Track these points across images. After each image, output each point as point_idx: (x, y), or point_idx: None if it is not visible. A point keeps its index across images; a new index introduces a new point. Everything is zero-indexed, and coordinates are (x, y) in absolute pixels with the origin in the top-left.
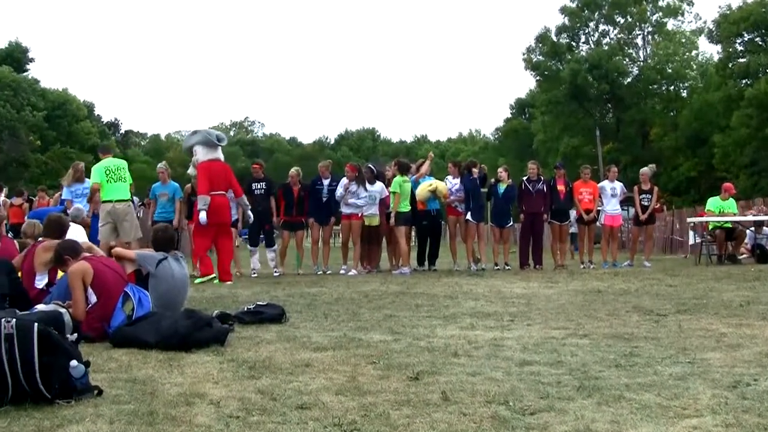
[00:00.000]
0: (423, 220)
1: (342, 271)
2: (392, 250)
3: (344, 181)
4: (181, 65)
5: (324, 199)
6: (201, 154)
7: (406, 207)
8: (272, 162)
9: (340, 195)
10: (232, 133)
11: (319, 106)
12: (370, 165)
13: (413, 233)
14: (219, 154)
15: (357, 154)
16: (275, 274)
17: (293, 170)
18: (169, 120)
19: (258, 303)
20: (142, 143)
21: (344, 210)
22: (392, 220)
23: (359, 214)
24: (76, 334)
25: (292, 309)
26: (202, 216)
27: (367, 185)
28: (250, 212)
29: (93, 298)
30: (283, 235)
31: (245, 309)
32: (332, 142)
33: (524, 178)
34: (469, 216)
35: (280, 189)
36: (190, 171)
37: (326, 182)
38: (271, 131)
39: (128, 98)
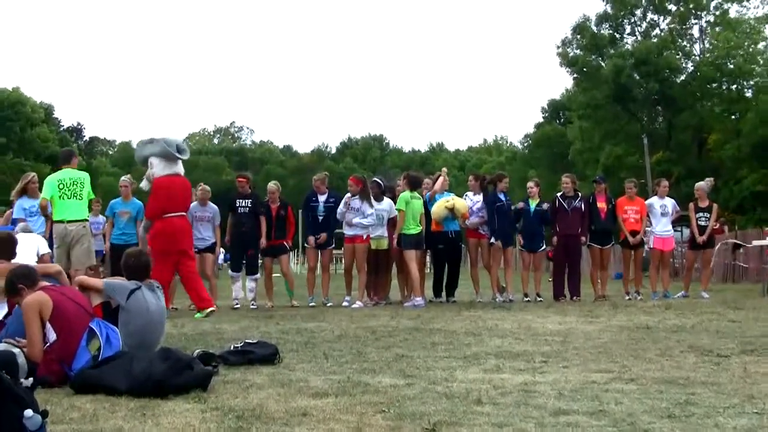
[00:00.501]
0: (439, 243)
1: (345, 303)
2: (403, 279)
3: (347, 196)
4: (157, 61)
5: (320, 218)
6: (158, 168)
7: (414, 228)
8: (263, 174)
9: (342, 212)
10: (216, 141)
11: (318, 110)
12: (377, 179)
13: (428, 259)
14: (179, 168)
15: (362, 165)
16: (252, 307)
17: (271, 184)
18: (141, 125)
19: (247, 341)
20: (110, 152)
21: (347, 231)
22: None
23: (364, 236)
24: (31, 379)
25: (286, 348)
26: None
27: (374, 202)
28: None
29: (52, 336)
30: (265, 263)
31: (232, 348)
32: (333, 151)
33: (558, 195)
34: (493, 239)
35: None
36: (144, 185)
37: (322, 198)
38: (261, 139)
39: (93, 100)
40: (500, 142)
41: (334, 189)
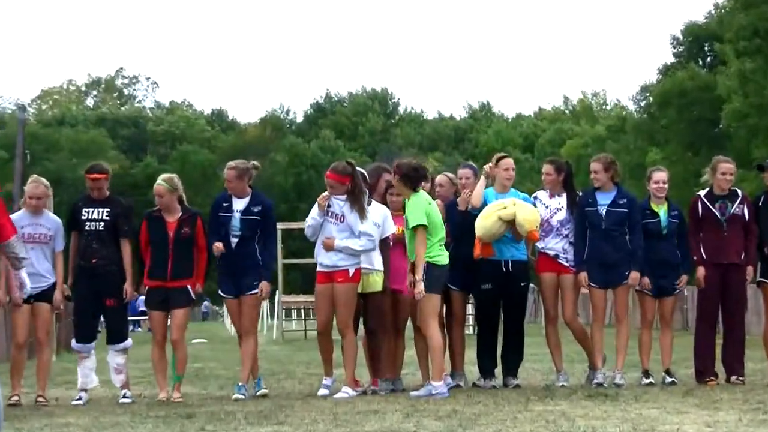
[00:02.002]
0: (487, 280)
1: (323, 391)
2: (424, 345)
3: (322, 197)
4: None
5: (235, 241)
6: None
7: (442, 254)
8: (176, 160)
9: (315, 226)
10: (90, 102)
11: (273, 50)
12: (370, 168)
13: (468, 307)
14: None
15: (351, 143)
16: (123, 400)
17: (160, 182)
18: None
19: None
20: None
21: (322, 261)
22: (414, 282)
23: (352, 270)
24: None
25: None
26: None
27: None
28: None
29: None
30: (151, 320)
31: None
32: (299, 119)
33: (702, 193)
34: (585, 276)
35: (145, 221)
36: None
37: (240, 205)
38: (172, 99)
39: None
40: (593, 102)
41: (269, 189)
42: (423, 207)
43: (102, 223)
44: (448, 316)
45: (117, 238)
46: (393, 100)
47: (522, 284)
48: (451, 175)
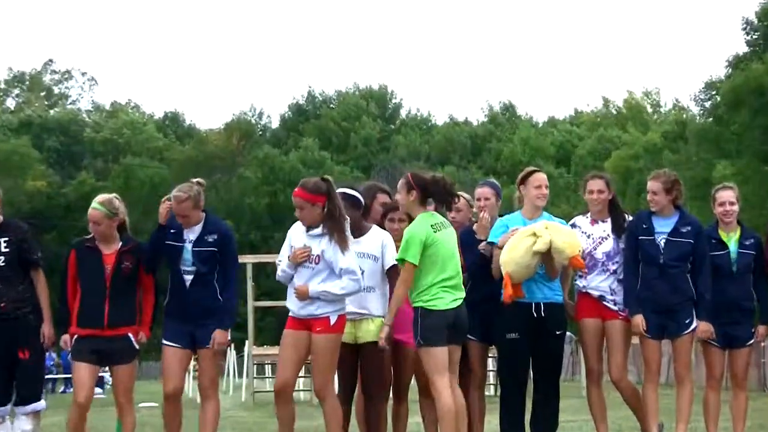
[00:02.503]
0: (515, 327)
1: None
2: (427, 410)
3: (293, 230)
4: None
5: (188, 280)
6: None
7: (447, 293)
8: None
9: (286, 277)
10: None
11: (243, 43)
12: (353, 190)
13: (489, 362)
14: None
15: (340, 154)
16: None
17: (95, 206)
18: None
19: None
20: None
21: (293, 310)
22: (383, 329)
23: (333, 318)
24: None
25: None
26: None
27: (352, 239)
28: None
29: None
30: (75, 374)
31: None
32: (274, 123)
33: None
34: (640, 320)
35: (73, 252)
36: None
37: (191, 233)
38: (114, 99)
39: None
40: (645, 103)
41: (237, 212)
42: (418, 234)
43: (1, 258)
44: (465, 373)
45: (24, 271)
46: (393, 101)
47: (557, 333)
48: (467, 196)
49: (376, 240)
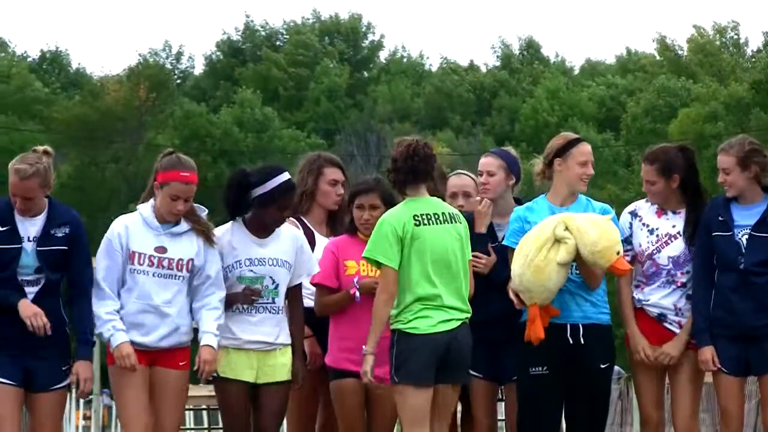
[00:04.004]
0: (542, 358)
1: None
2: None
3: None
4: None
5: (31, 292)
6: None
7: (414, 318)
8: None
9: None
10: None
11: None
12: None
13: (499, 408)
14: None
15: (291, 110)
16: None
17: None
18: None
19: None
20: None
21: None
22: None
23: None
24: None
25: None
26: None
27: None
28: None
29: None
30: None
31: None
32: (193, 64)
33: None
34: (710, 354)
35: None
36: None
37: (32, 227)
38: None
39: None
40: (718, 43)
41: (130, 195)
42: (388, 229)
43: None
44: (466, 421)
45: None
46: (369, 38)
47: (602, 366)
48: (472, 176)
49: (289, 238)
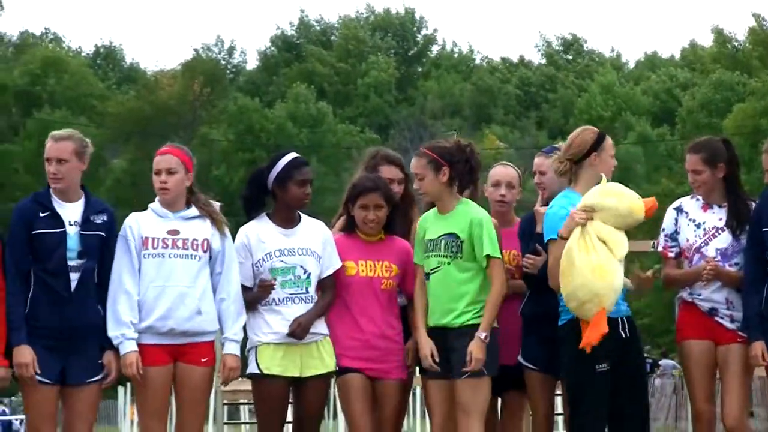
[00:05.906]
0: (604, 353)
1: None
2: None
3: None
4: None
5: (75, 279)
6: None
7: (469, 310)
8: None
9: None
10: None
11: None
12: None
13: (557, 402)
14: None
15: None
16: None
17: None
18: None
19: None
20: None
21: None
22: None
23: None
24: None
25: None
26: None
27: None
28: None
29: None
30: None
31: None
32: (246, 59)
33: None
34: (761, 348)
35: None
36: None
37: (73, 212)
38: (25, 26)
39: None
40: None
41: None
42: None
43: None
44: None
45: None
46: (422, 32)
47: (640, 356)
48: (516, 169)
49: (313, 229)
